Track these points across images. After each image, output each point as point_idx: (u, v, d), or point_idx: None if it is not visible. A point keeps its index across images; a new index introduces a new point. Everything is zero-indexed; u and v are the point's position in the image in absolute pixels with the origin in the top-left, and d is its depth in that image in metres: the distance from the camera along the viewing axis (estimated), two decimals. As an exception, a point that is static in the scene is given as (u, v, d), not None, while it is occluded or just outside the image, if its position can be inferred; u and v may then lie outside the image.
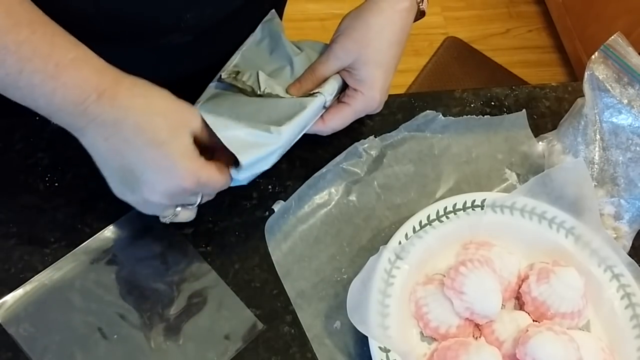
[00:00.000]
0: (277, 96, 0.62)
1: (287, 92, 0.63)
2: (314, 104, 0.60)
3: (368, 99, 0.63)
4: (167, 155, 0.51)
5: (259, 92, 0.62)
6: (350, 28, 0.62)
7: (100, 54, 0.59)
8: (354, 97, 0.63)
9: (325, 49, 0.64)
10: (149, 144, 0.50)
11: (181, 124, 0.52)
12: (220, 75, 0.63)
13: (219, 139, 0.54)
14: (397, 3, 0.62)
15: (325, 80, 0.63)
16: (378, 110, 0.64)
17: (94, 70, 0.50)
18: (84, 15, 0.57)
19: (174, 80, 0.73)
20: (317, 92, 0.62)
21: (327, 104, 0.62)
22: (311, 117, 0.61)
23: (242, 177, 0.57)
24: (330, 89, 0.62)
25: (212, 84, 0.64)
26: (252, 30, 0.70)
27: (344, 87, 0.64)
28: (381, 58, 0.62)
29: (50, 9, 0.53)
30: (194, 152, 0.52)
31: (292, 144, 0.60)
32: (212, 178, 0.53)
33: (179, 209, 0.56)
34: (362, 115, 0.64)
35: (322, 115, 0.63)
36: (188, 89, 0.79)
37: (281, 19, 0.82)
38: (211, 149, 0.56)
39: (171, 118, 0.52)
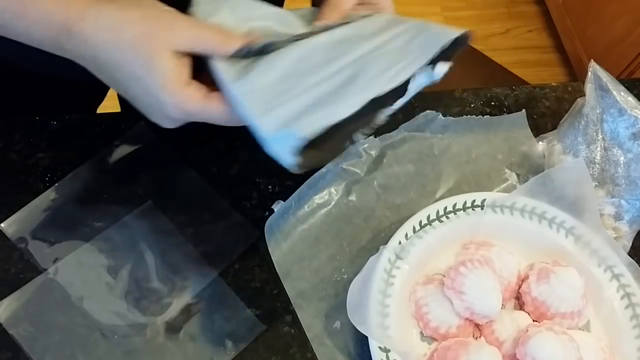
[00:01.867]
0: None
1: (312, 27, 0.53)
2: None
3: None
4: (148, 91, 0.47)
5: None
6: None
7: None
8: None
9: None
10: (129, 79, 0.47)
11: (157, 51, 0.46)
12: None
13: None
14: None
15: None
16: None
17: (57, 3, 0.45)
18: None
19: None
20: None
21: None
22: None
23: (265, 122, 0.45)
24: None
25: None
26: None
27: None
28: None
29: None
30: (176, 80, 0.46)
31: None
32: (202, 111, 0.47)
33: None
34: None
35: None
36: None
37: None
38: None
39: (143, 48, 0.46)
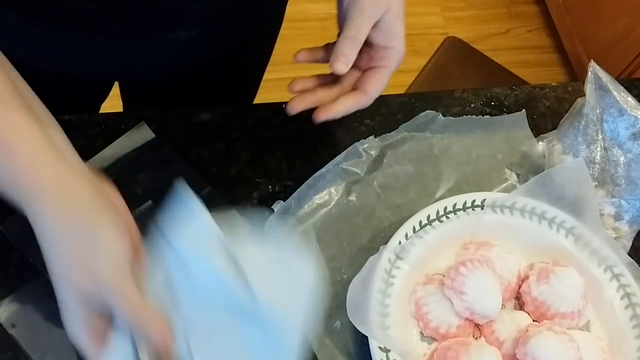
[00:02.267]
0: None
1: (332, 66, 0.57)
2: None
3: (399, 53, 0.60)
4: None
5: None
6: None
7: (101, 48, 0.58)
8: (387, 56, 0.60)
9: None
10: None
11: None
12: None
13: None
14: None
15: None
16: None
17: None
18: (85, 10, 0.57)
19: (177, 74, 0.73)
20: None
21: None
22: None
23: None
24: None
25: None
26: (254, 21, 0.69)
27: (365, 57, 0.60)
28: (400, 7, 0.59)
29: (51, 5, 0.53)
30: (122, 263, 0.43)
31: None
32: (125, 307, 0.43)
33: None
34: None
35: (360, 87, 0.60)
36: (191, 83, 0.78)
37: (282, 15, 0.81)
38: None
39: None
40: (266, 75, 0.92)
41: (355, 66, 0.59)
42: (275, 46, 0.87)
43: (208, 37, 0.67)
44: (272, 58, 0.89)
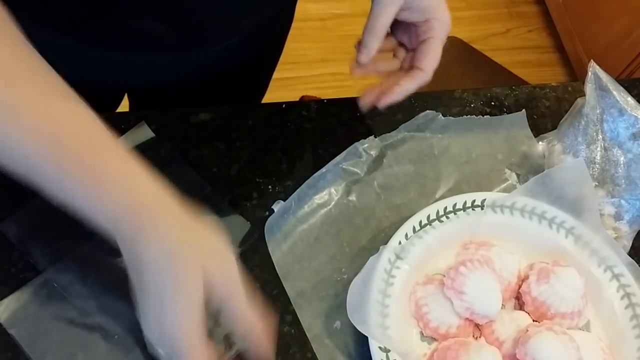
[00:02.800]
0: None
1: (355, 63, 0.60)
2: None
3: (443, 21, 0.60)
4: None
5: None
6: None
7: (152, 61, 0.58)
8: (430, 28, 0.60)
9: None
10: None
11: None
12: None
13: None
14: None
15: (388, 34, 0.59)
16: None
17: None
18: (151, 30, 0.57)
19: (208, 81, 0.74)
20: None
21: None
22: None
23: None
24: None
25: None
26: (282, 24, 0.71)
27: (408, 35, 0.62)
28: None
29: (115, 25, 0.53)
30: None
31: None
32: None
33: None
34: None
35: (415, 64, 0.61)
36: (205, 88, 0.78)
37: (292, 15, 0.82)
38: None
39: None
40: (266, 76, 0.92)
41: (406, 47, 0.62)
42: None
43: (247, 43, 0.68)
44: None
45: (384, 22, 0.59)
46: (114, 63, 0.65)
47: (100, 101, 0.78)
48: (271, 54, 0.84)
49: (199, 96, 0.80)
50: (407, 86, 0.61)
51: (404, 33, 0.64)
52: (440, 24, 0.60)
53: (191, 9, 0.56)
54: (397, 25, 0.63)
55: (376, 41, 0.59)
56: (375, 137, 0.70)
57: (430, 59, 0.61)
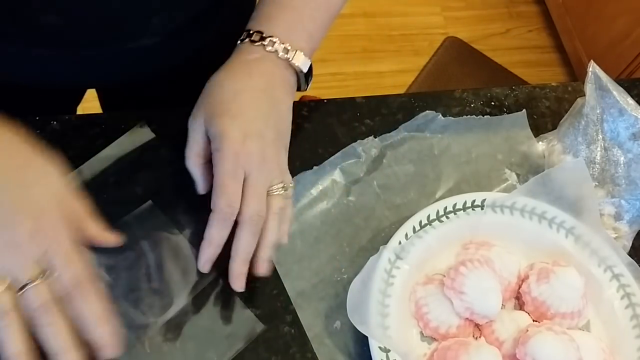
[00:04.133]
0: None
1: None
2: None
3: (229, 149, 0.54)
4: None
5: None
6: (200, 96, 0.59)
7: (63, 57, 0.58)
8: (214, 158, 0.55)
9: None
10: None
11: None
12: None
13: None
14: (245, 54, 0.59)
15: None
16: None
17: None
18: (47, 24, 0.57)
19: (140, 81, 0.74)
20: None
21: None
22: None
23: None
24: None
25: None
26: (220, 27, 0.69)
27: None
28: (229, 107, 0.56)
29: (13, 19, 0.53)
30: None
31: None
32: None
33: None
34: (240, 174, 0.55)
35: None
36: (153, 89, 0.78)
37: (237, 29, 0.79)
38: None
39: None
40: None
41: None
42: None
43: (171, 43, 0.67)
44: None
45: (197, 147, 0.58)
46: (39, 59, 0.64)
47: (53, 99, 0.78)
48: (211, 59, 0.82)
49: (148, 96, 0.79)
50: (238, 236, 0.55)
51: None
52: (225, 152, 0.54)
53: (87, 5, 0.56)
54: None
55: (197, 168, 0.59)
56: (375, 137, 0.70)
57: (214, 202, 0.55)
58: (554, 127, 0.74)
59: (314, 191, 0.66)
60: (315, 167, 0.67)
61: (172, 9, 0.62)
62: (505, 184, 0.71)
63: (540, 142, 0.73)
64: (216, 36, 0.73)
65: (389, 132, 0.71)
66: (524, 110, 0.75)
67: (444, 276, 0.60)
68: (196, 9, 0.66)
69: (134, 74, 0.71)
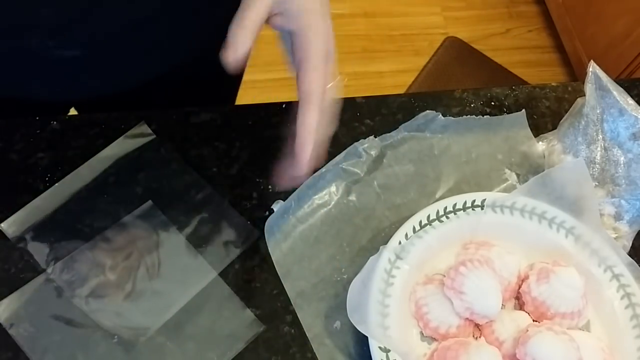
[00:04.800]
0: None
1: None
2: None
3: (320, 32, 0.50)
4: None
5: None
6: None
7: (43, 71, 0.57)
8: (306, 41, 0.50)
9: None
10: None
11: None
12: None
13: None
14: None
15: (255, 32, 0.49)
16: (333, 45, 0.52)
17: None
18: None
19: (76, 99, 0.73)
20: None
21: None
22: None
23: None
24: None
25: None
26: (166, 40, 0.67)
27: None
28: None
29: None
30: None
31: None
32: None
33: None
34: (330, 59, 0.52)
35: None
36: (100, 107, 0.76)
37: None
38: None
39: None
40: (266, 76, 0.92)
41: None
42: (274, 47, 0.86)
43: (102, 56, 0.65)
44: (271, 58, 0.88)
45: (252, 16, 0.49)
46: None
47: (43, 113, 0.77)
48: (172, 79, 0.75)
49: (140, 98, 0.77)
50: (304, 120, 0.50)
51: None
52: (315, 36, 0.50)
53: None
54: (293, 46, 0.53)
55: (244, 36, 0.48)
56: (375, 137, 0.70)
57: (307, 86, 0.50)
58: (554, 127, 0.74)
59: (314, 191, 0.66)
60: (315, 174, 0.66)
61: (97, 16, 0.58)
62: (505, 184, 0.71)
63: (540, 142, 0.73)
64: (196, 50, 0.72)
65: (389, 132, 0.71)
66: (524, 110, 0.75)
67: (444, 276, 0.60)
68: (127, 19, 0.62)
69: (63, 94, 0.70)
